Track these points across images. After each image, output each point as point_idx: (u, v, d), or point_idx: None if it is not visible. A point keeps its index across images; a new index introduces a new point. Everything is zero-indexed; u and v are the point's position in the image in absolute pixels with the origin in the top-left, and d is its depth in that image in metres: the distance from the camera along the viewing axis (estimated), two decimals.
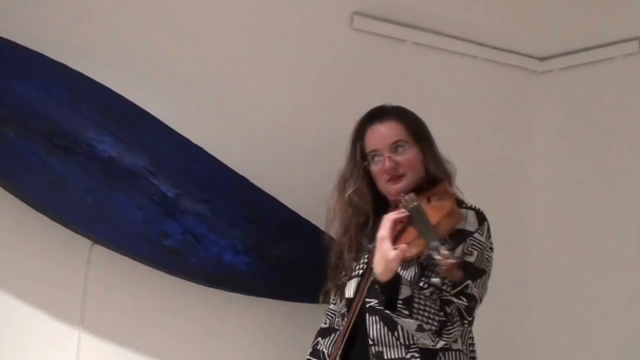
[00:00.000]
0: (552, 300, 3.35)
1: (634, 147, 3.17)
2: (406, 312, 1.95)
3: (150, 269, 2.63)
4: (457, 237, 2.07)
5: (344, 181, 2.39)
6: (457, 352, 2.14)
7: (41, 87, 2.48)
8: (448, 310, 2.01)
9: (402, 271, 2.09)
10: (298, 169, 2.90)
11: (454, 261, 1.80)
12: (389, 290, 1.96)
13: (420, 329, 1.98)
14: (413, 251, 1.93)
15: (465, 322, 2.06)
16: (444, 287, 2.03)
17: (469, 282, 2.03)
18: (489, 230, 2.15)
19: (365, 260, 2.27)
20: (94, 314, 2.59)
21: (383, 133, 2.23)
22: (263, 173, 2.79)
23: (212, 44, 2.85)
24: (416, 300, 1.96)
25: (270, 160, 2.87)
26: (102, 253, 2.58)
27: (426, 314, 1.96)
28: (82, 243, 2.57)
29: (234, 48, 2.88)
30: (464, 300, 2.02)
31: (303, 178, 2.90)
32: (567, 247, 3.33)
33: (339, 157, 2.48)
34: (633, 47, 3.17)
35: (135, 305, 2.66)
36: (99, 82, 2.55)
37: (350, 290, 2.30)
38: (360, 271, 2.29)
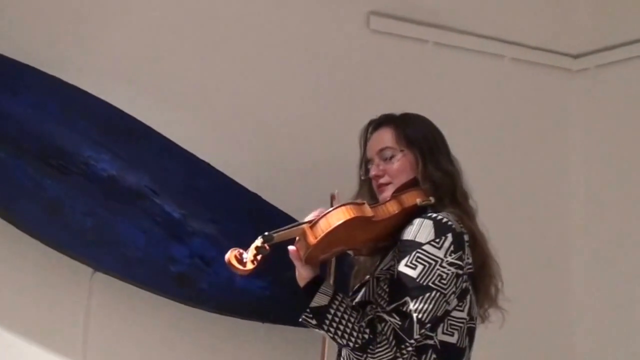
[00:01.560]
0: (596, 309, 3.23)
1: None
2: (313, 322, 1.91)
3: (156, 296, 2.56)
4: (404, 247, 1.96)
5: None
6: None
7: (33, 102, 2.44)
8: (379, 328, 1.88)
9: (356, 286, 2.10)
10: (313, 182, 2.78)
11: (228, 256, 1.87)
12: (305, 296, 1.94)
13: (335, 341, 1.92)
14: (301, 253, 1.93)
15: (405, 345, 1.87)
16: (382, 302, 1.94)
17: (407, 298, 1.89)
18: (454, 243, 1.94)
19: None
20: (97, 346, 2.55)
21: (373, 141, 2.21)
22: (276, 189, 2.71)
23: (219, 48, 2.79)
24: (332, 311, 1.90)
25: (284, 174, 2.79)
26: (104, 281, 2.53)
27: (342, 327, 1.88)
28: (82, 271, 2.51)
29: (243, 53, 2.82)
30: (397, 318, 1.88)
31: (320, 192, 2.71)
32: (609, 251, 3.22)
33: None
34: None
35: (141, 336, 2.61)
36: (94, 95, 2.50)
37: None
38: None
